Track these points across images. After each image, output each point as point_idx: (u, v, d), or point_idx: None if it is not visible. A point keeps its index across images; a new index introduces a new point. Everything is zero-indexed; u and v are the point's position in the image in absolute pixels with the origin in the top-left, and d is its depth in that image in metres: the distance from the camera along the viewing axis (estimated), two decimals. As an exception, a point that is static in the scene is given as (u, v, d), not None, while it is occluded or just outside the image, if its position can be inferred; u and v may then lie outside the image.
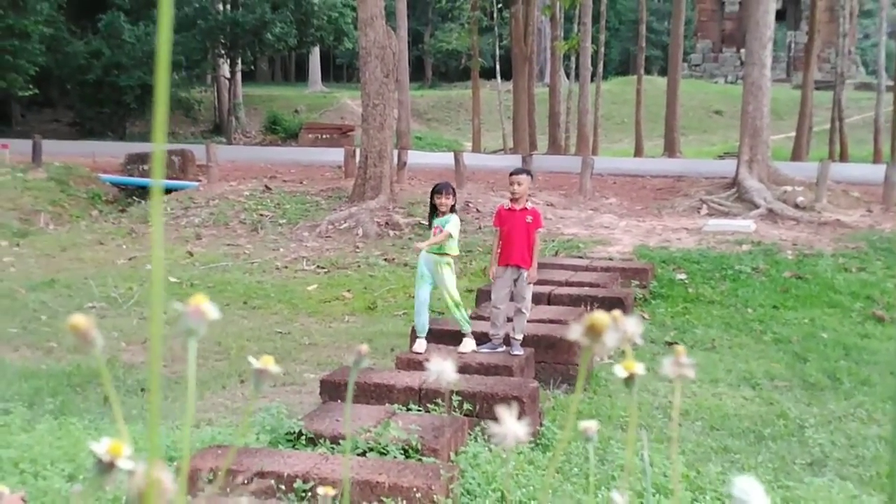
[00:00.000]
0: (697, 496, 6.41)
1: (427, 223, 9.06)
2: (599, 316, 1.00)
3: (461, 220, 9.44)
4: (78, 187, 21.77)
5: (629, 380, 1.22)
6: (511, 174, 9.00)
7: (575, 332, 1.00)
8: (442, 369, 1.26)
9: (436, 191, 8.83)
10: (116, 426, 1.10)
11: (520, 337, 8.91)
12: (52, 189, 21.12)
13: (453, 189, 9.00)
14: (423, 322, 8.99)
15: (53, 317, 12.06)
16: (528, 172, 9.30)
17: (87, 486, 1.04)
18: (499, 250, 8.92)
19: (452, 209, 8.87)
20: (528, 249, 8.79)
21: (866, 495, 6.85)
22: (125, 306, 12.92)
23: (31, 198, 20.44)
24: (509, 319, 8.96)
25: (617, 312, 1.13)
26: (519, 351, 8.87)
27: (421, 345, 8.94)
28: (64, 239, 18.18)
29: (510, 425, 1.06)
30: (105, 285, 13.88)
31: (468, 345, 8.95)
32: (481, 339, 9.08)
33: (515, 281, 8.84)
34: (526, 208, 8.84)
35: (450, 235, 8.67)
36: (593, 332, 1.00)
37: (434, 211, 8.83)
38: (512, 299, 8.95)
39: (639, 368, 1.24)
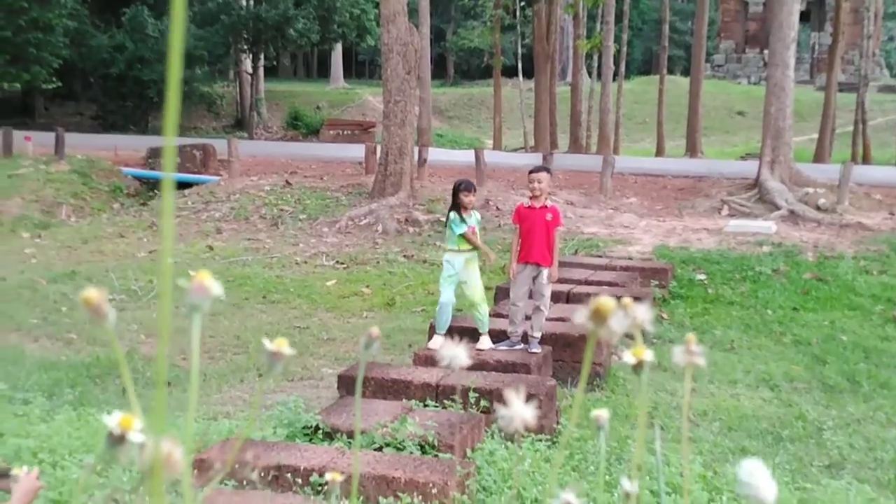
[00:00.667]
0: (714, 496, 6.38)
1: (446, 221, 9.07)
2: (605, 300, 1.00)
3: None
4: (100, 180, 21.89)
5: (638, 366, 1.22)
6: (530, 172, 9.01)
7: (580, 317, 0.99)
8: (455, 354, 1.27)
9: (463, 188, 8.87)
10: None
11: (538, 335, 8.91)
12: (75, 182, 21.23)
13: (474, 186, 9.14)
14: (445, 320, 9.04)
15: (74, 308, 12.10)
16: (548, 170, 9.30)
17: (99, 458, 1.06)
18: (518, 248, 8.94)
19: None
20: (548, 247, 8.80)
21: (884, 498, 6.81)
22: (145, 299, 12.98)
23: (54, 190, 20.55)
24: (528, 317, 8.96)
25: (627, 299, 1.13)
26: (537, 349, 8.87)
27: (438, 341, 8.94)
28: (85, 231, 18.28)
29: (517, 408, 1.06)
30: (125, 278, 13.94)
31: (485, 342, 8.99)
32: (500, 336, 9.09)
33: (534, 279, 8.85)
34: (546, 206, 8.85)
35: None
36: (598, 316, 0.99)
37: (457, 208, 8.86)
38: (531, 297, 8.95)
39: (647, 355, 1.24)
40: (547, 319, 9.09)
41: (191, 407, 1.10)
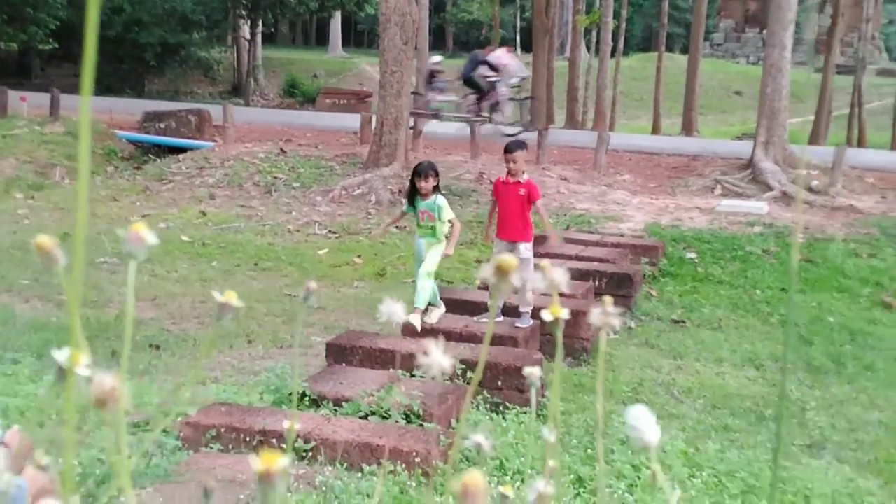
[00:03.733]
0: (695, 472, 6.46)
1: (408, 202, 8.93)
2: (507, 258, 1.06)
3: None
4: (94, 143, 21.80)
5: (555, 323, 1.28)
6: (505, 152, 9.01)
7: (484, 272, 1.05)
8: (392, 311, 1.33)
9: (416, 172, 8.73)
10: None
11: (525, 310, 8.95)
12: (69, 143, 21.15)
13: (436, 170, 8.79)
14: (422, 297, 9.04)
15: (65, 270, 12.09)
16: (524, 146, 9.28)
17: (49, 390, 1.16)
18: (494, 220, 9.09)
19: (436, 189, 8.78)
20: (523, 222, 8.86)
21: (862, 479, 6.89)
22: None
23: (48, 151, 20.49)
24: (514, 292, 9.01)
25: (546, 262, 1.19)
26: (522, 323, 8.92)
27: (414, 317, 8.86)
28: (78, 194, 18.23)
29: (436, 356, 1.12)
30: (117, 241, 13.87)
31: (435, 314, 9.04)
32: (483, 308, 9.20)
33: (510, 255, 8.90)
34: (520, 182, 8.88)
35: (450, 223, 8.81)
36: (500, 272, 1.05)
37: (414, 191, 8.79)
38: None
39: (564, 314, 1.29)
40: (538, 294, 9.12)
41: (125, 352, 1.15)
